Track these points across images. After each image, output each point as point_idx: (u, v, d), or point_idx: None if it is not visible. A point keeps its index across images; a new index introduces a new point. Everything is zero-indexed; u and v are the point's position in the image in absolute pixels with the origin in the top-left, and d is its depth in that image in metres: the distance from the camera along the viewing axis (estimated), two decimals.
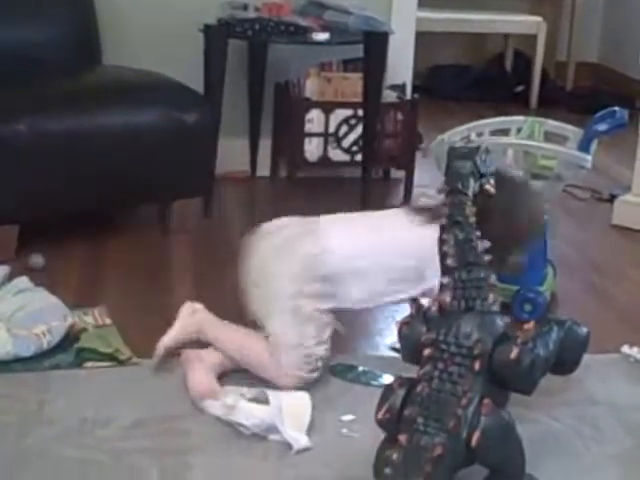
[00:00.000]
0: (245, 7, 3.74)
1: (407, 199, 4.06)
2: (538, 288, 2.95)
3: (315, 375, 2.40)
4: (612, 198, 4.01)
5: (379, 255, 2.38)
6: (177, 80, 3.46)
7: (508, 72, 6.33)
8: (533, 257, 2.97)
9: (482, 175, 2.01)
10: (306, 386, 2.37)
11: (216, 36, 3.61)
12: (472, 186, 1.98)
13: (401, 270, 2.37)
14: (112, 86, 3.42)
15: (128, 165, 3.26)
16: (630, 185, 3.88)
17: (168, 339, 2.49)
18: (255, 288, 2.45)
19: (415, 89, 4.43)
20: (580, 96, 5.87)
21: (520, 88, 6.15)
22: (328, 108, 3.99)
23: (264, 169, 4.18)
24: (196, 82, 3.55)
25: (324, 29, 3.68)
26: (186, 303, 2.58)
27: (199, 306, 2.57)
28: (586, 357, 2.49)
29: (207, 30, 3.63)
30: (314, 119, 3.98)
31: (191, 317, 2.54)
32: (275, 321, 2.40)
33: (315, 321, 2.38)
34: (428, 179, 3.88)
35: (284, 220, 2.51)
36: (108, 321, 2.71)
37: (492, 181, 2.04)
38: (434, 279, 2.10)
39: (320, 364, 2.41)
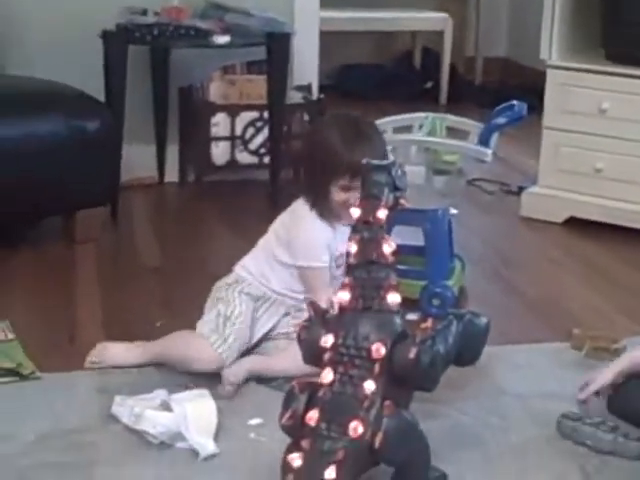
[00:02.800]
0: (144, 12, 3.70)
1: None
2: (446, 282, 2.97)
3: (226, 349, 2.43)
4: (520, 190, 4.05)
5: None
6: (77, 88, 3.42)
7: (417, 69, 6.37)
8: (440, 252, 3.01)
9: (397, 188, 2.02)
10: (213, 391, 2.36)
11: (115, 42, 3.57)
12: (386, 194, 1.99)
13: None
14: (10, 96, 3.35)
15: (29, 176, 3.21)
16: (537, 177, 3.93)
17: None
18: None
19: (325, 89, 4.43)
20: (488, 90, 5.94)
21: (429, 84, 6.19)
22: (233, 111, 3.98)
23: (172, 175, 4.15)
24: (97, 89, 3.51)
25: (225, 32, 3.66)
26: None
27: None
28: (494, 348, 2.52)
29: (106, 36, 3.59)
30: (220, 123, 3.97)
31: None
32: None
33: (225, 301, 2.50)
34: None
35: None
36: (11, 336, 2.66)
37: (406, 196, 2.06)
38: None
39: (230, 340, 2.44)
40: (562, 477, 2.11)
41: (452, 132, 3.15)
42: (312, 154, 2.54)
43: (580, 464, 2.15)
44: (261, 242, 2.60)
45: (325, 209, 2.49)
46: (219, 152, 4.00)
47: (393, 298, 1.97)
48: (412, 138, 3.05)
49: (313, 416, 1.91)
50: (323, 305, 2.13)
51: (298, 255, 2.51)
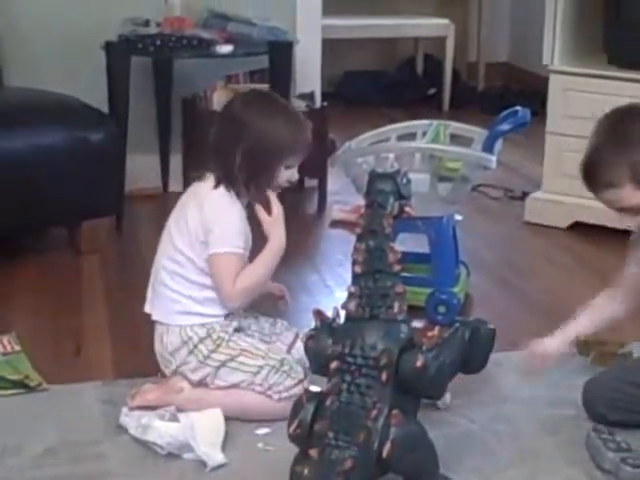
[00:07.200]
0: (147, 23, 3.71)
1: (321, 207, 4.07)
2: (451, 289, 2.97)
3: (298, 382, 2.33)
4: (524, 196, 4.06)
5: None
6: (80, 99, 3.43)
7: (420, 75, 6.37)
8: (445, 259, 3.00)
9: (402, 197, 2.02)
10: None
11: (117, 53, 3.57)
12: (391, 203, 2.00)
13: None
14: (14, 108, 3.37)
15: (33, 188, 3.22)
16: (541, 182, 3.93)
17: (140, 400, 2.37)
18: None
19: (328, 96, 4.43)
20: (491, 96, 5.93)
21: (432, 91, 6.19)
22: None
23: (176, 184, 4.12)
24: (100, 100, 3.52)
25: (228, 41, 3.67)
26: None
27: (187, 385, 2.39)
28: (499, 355, 2.52)
29: (108, 47, 3.59)
30: None
31: (176, 395, 2.37)
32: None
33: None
34: (341, 186, 3.90)
35: None
36: (17, 348, 2.66)
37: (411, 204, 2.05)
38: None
39: (290, 367, 2.35)
40: None
41: (456, 139, 3.14)
42: (257, 144, 2.41)
43: (587, 471, 2.15)
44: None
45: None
46: None
47: (400, 307, 1.97)
48: (416, 146, 3.04)
49: (321, 425, 1.91)
50: None
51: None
